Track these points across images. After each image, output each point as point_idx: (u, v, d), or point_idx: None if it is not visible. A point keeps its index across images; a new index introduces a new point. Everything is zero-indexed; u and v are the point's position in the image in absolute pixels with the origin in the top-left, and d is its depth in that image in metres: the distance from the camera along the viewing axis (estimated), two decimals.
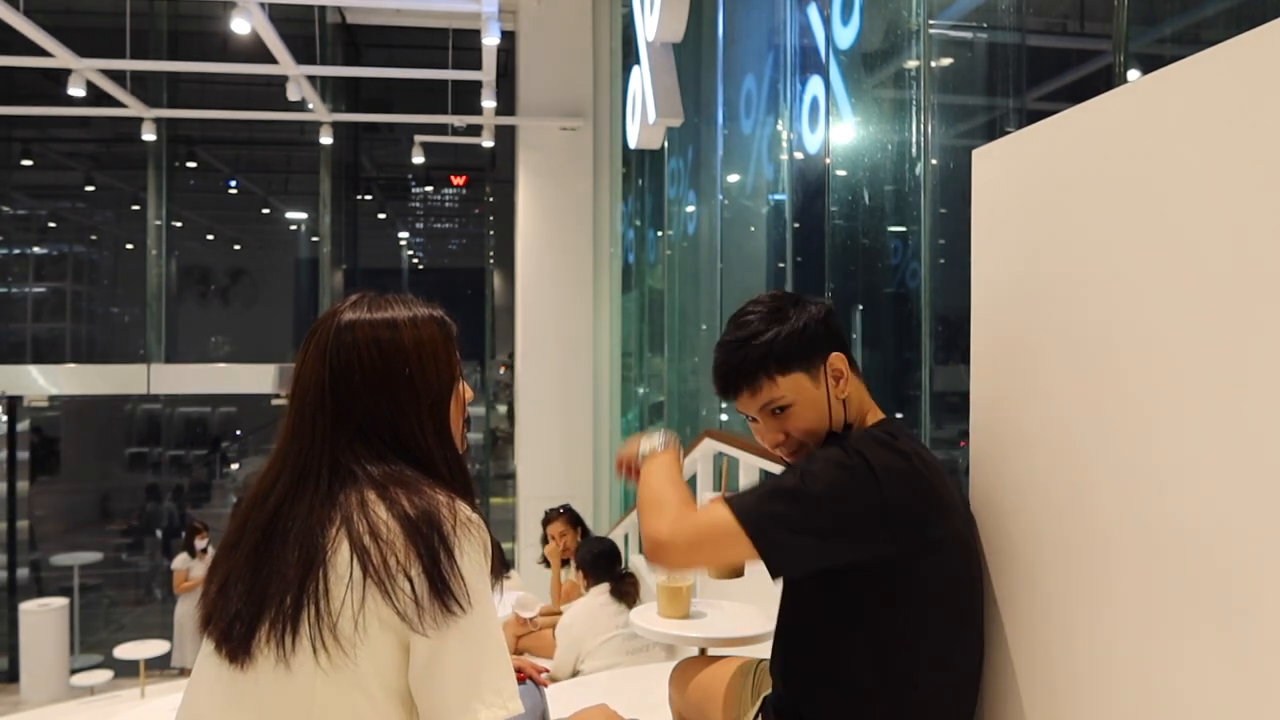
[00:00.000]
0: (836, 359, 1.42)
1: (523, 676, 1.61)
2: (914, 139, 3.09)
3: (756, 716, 1.55)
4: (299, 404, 1.16)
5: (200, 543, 7.67)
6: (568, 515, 4.76)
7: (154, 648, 6.18)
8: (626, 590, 3.51)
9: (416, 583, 1.04)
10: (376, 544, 1.05)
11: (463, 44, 8.50)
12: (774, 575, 1.28)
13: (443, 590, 1.04)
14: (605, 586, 3.53)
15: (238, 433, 12.52)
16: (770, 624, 2.08)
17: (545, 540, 4.77)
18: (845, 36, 3.63)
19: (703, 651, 2.13)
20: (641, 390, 7.88)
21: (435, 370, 1.18)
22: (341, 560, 1.05)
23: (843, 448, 1.30)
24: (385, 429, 1.14)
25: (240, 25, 5.74)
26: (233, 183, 12.18)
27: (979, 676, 1.39)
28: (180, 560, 7.63)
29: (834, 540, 1.26)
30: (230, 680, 1.08)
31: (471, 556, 1.08)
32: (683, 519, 1.29)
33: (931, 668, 1.31)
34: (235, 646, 1.07)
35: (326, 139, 8.45)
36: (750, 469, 3.58)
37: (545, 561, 4.79)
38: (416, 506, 1.07)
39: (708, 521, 1.27)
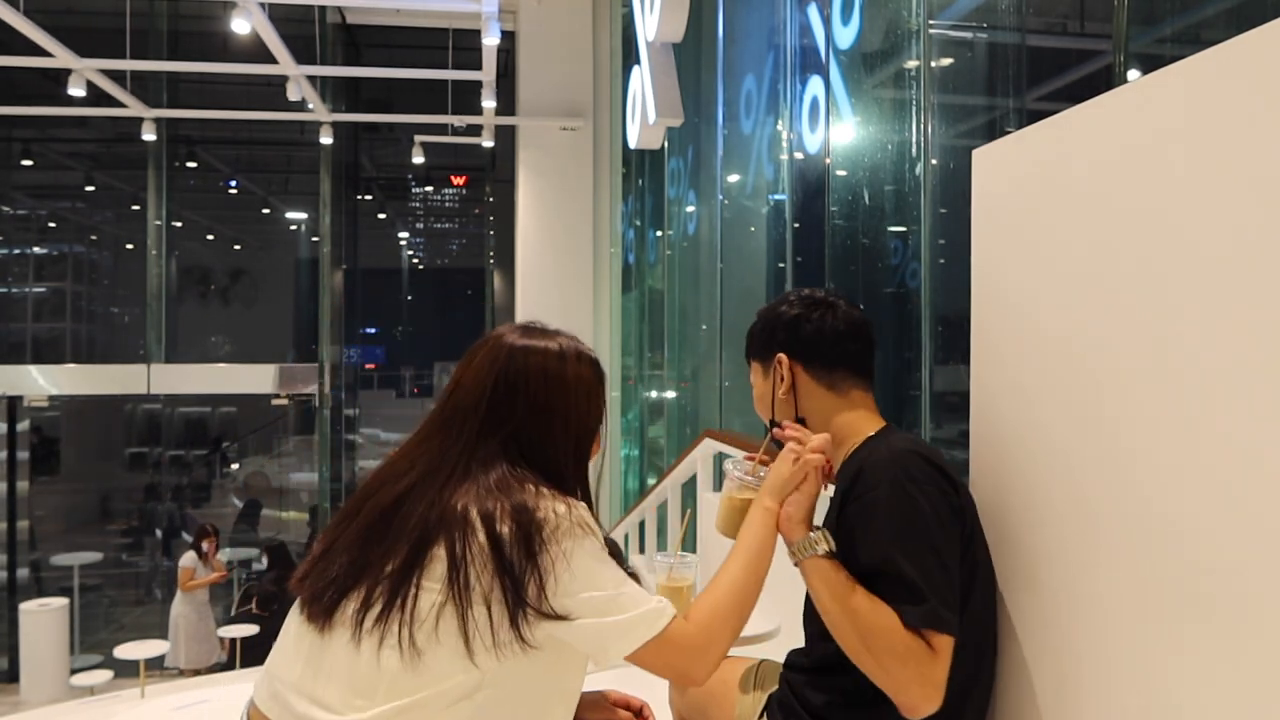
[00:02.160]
0: (779, 359, 1.50)
1: None
2: (914, 139, 3.09)
3: (761, 715, 1.55)
4: (454, 405, 1.24)
5: (205, 546, 7.67)
6: None
7: (154, 648, 6.18)
8: None
9: (495, 613, 1.10)
10: (467, 567, 1.10)
11: (463, 44, 8.50)
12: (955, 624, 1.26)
13: (518, 626, 1.10)
14: None
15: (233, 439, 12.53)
16: (770, 624, 2.09)
17: None
18: (845, 36, 3.63)
19: None
20: (641, 391, 7.88)
21: (589, 409, 1.30)
22: (438, 570, 1.11)
23: (872, 488, 1.31)
24: (532, 450, 1.23)
25: (240, 25, 5.74)
26: (233, 183, 12.18)
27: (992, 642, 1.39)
28: (188, 559, 7.63)
29: (951, 544, 1.28)
30: (309, 641, 1.16)
31: (577, 560, 1.14)
32: (919, 669, 1.22)
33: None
34: (320, 610, 1.15)
35: (326, 139, 8.46)
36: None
37: None
38: (520, 528, 1.12)
39: (946, 657, 1.23)
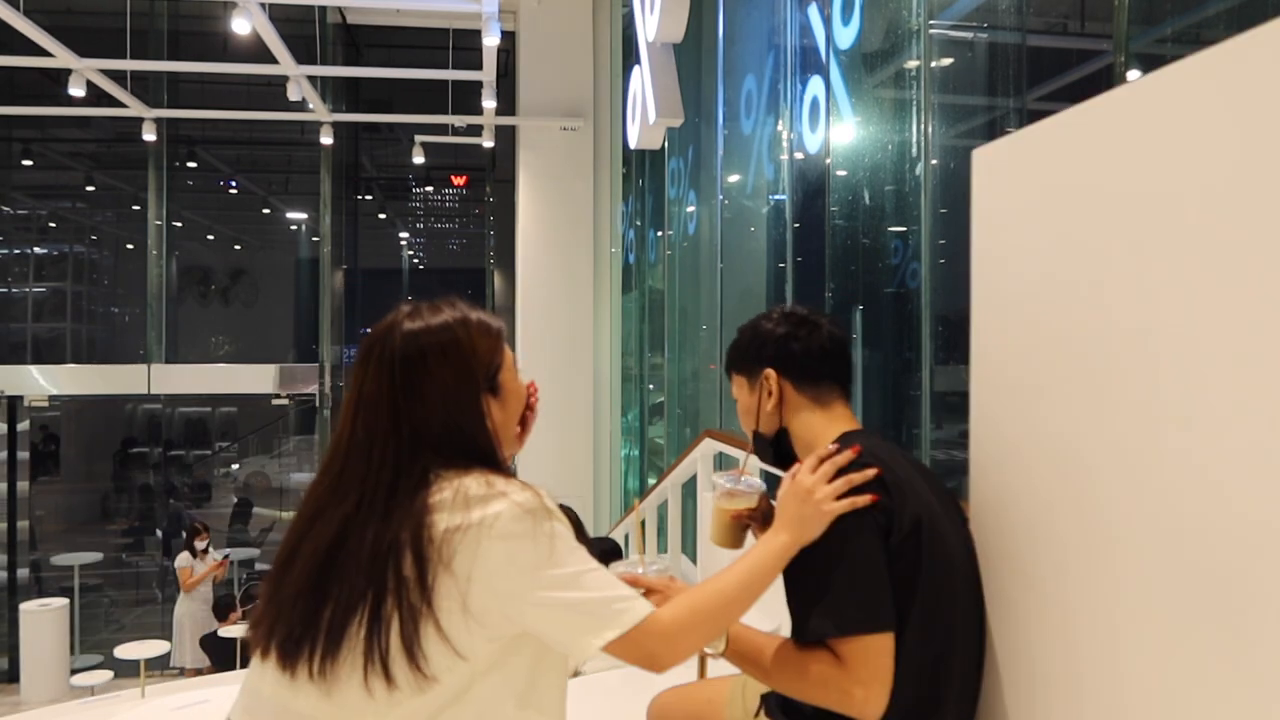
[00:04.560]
0: (767, 375, 1.54)
1: None
2: (914, 139, 3.09)
3: (758, 714, 1.56)
4: (365, 423, 1.17)
5: (200, 543, 7.69)
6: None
7: (154, 648, 6.18)
8: None
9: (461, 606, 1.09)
10: (422, 581, 1.08)
11: (463, 44, 8.50)
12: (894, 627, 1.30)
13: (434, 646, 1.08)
14: None
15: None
16: (771, 624, 2.08)
17: None
18: (845, 36, 3.63)
19: (702, 660, 2.14)
20: (641, 390, 7.88)
21: (494, 369, 1.24)
22: (406, 593, 1.08)
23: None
24: (462, 442, 1.18)
25: (240, 25, 5.74)
26: (233, 183, 12.18)
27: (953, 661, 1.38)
28: (183, 559, 7.66)
29: (879, 557, 1.31)
30: (273, 679, 1.13)
31: (516, 553, 1.10)
32: (850, 684, 1.28)
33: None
34: (287, 660, 1.11)
35: (327, 139, 8.46)
36: (751, 468, 3.58)
37: None
38: (461, 530, 1.09)
39: (858, 660, 1.28)
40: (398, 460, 1.14)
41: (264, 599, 1.17)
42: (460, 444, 1.17)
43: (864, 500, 1.31)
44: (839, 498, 1.32)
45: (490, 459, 1.19)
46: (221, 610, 7.31)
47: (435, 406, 1.16)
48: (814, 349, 1.53)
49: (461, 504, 1.10)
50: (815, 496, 1.31)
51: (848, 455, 1.34)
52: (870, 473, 1.32)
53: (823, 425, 1.51)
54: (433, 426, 1.16)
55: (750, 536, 1.70)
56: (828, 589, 1.30)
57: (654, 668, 1.16)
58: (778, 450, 1.57)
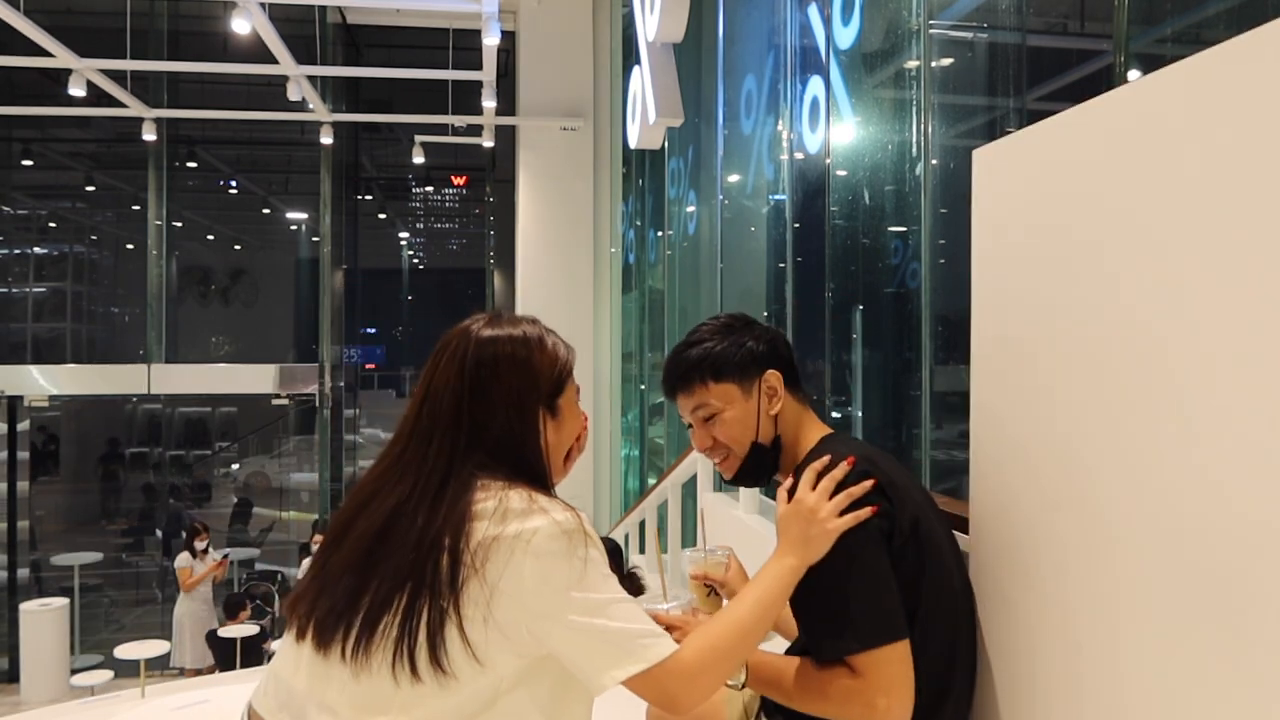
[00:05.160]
0: (772, 375, 1.49)
1: None
2: (914, 139, 3.09)
3: (759, 714, 1.56)
4: (429, 413, 1.20)
5: (200, 544, 7.70)
6: None
7: (154, 648, 6.18)
8: (629, 590, 3.52)
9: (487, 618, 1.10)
10: (453, 582, 1.09)
11: (463, 44, 8.50)
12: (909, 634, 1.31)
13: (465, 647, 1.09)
14: None
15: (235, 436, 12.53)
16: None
17: None
18: (845, 36, 3.63)
19: None
20: (641, 391, 7.88)
21: (562, 395, 1.27)
22: (441, 587, 1.09)
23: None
24: (514, 450, 1.20)
25: (240, 25, 5.74)
26: (233, 183, 12.19)
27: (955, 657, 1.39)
28: (183, 559, 7.66)
29: (885, 566, 1.32)
30: (309, 659, 1.14)
31: (548, 572, 1.11)
32: (869, 699, 1.27)
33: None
34: (324, 637, 1.13)
35: (327, 139, 8.46)
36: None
37: None
38: (497, 540, 1.10)
39: (877, 671, 1.28)
40: (453, 452, 1.17)
41: (309, 575, 1.19)
42: (512, 451, 1.19)
43: (866, 513, 1.30)
44: (841, 512, 1.30)
45: (538, 476, 1.21)
46: (231, 608, 7.31)
47: (498, 410, 1.19)
48: (790, 350, 1.54)
49: (501, 516, 1.11)
50: (819, 515, 1.30)
51: (843, 468, 1.33)
52: (869, 484, 1.31)
53: (807, 427, 1.50)
54: (492, 429, 1.19)
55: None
56: (840, 607, 1.29)
57: (674, 710, 1.14)
58: (770, 461, 1.54)
